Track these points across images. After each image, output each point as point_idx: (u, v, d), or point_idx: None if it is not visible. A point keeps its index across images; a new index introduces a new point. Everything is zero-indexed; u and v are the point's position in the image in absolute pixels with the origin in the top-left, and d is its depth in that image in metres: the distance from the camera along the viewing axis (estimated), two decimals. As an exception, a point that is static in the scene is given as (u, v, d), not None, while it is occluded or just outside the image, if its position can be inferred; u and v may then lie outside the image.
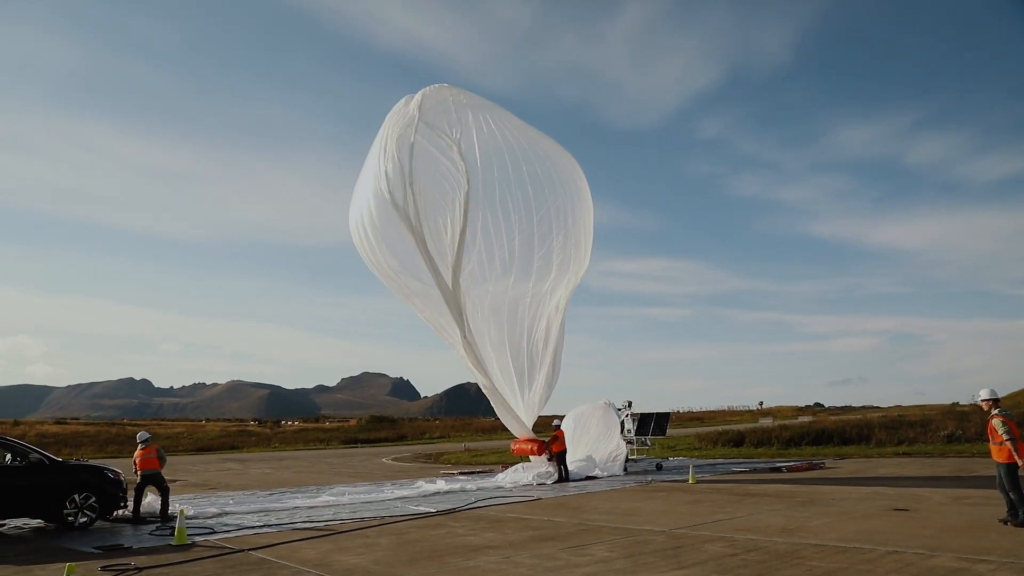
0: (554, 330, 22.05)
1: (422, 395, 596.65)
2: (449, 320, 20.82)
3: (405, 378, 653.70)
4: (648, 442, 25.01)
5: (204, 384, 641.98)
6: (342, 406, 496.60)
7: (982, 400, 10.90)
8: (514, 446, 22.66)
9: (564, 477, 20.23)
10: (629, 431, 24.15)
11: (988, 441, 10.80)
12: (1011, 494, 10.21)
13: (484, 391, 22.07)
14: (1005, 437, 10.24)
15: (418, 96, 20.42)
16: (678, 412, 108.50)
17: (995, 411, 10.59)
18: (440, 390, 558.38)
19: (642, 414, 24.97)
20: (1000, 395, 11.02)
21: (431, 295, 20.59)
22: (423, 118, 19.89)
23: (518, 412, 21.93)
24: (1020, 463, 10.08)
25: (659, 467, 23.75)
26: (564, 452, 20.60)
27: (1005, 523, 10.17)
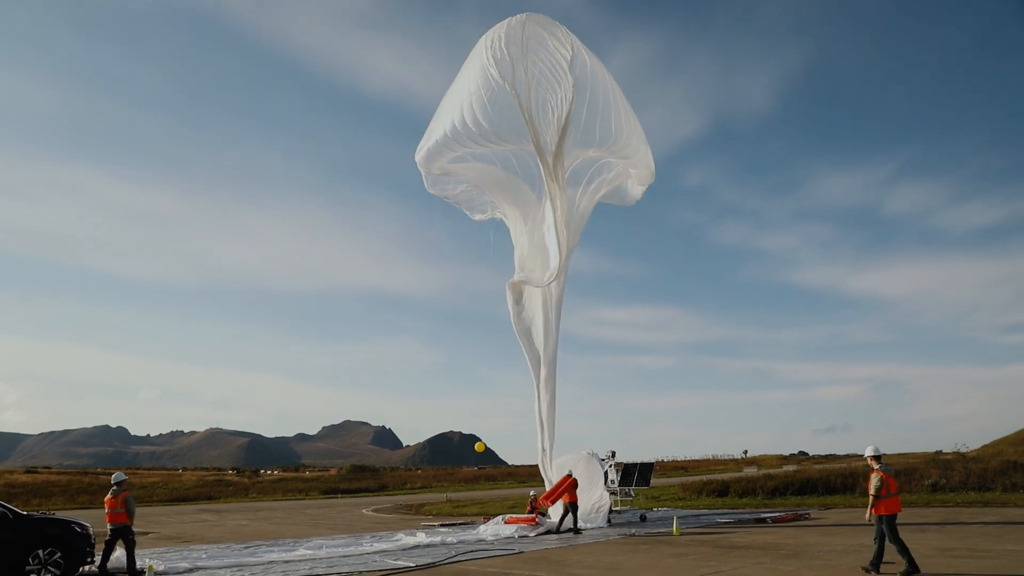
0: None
1: (404, 444, 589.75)
2: (527, 198, 23.41)
3: (387, 427, 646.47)
4: (632, 493, 24.70)
5: (182, 432, 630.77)
6: (323, 455, 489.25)
7: (868, 457, 11.72)
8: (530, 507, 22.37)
9: (574, 527, 19.96)
10: (613, 482, 23.85)
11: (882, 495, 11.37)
12: (876, 541, 10.94)
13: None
14: (872, 492, 11.02)
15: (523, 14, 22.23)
16: (662, 461, 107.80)
17: (876, 466, 11.34)
18: (423, 439, 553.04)
19: (626, 464, 24.71)
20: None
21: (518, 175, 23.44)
22: (534, 22, 21.25)
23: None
24: (867, 516, 11.07)
25: (643, 518, 23.40)
26: (576, 502, 20.36)
27: (867, 571, 10.61)
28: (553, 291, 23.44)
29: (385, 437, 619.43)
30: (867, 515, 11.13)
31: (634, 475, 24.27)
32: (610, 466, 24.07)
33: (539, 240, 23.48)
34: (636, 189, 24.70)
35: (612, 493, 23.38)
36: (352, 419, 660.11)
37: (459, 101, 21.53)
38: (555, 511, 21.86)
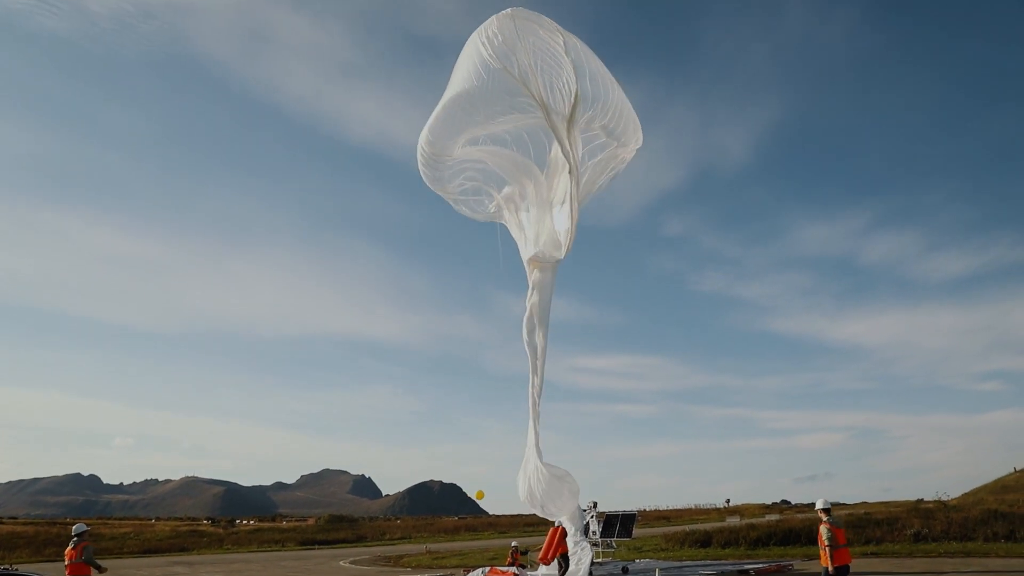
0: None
1: (384, 493, 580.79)
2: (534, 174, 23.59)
3: (367, 475, 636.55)
4: (613, 544, 24.39)
5: (156, 480, 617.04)
6: (301, 504, 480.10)
7: (818, 510, 12.20)
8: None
9: None
10: (594, 533, 23.55)
11: (821, 547, 11.89)
12: None
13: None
14: (827, 543, 11.46)
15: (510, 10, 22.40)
16: (644, 511, 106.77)
17: (825, 519, 11.84)
18: (402, 488, 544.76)
19: (608, 515, 24.44)
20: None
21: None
22: (520, 16, 21.60)
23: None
24: (831, 569, 11.38)
25: (625, 571, 23.03)
26: (567, 553, 19.85)
27: None
28: (548, 277, 23.88)
29: (364, 486, 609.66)
30: (830, 568, 11.38)
31: (616, 526, 24.00)
32: (592, 516, 23.79)
33: (548, 219, 23.95)
34: (625, 160, 25.31)
35: (594, 544, 23.07)
36: (331, 467, 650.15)
37: (461, 87, 22.03)
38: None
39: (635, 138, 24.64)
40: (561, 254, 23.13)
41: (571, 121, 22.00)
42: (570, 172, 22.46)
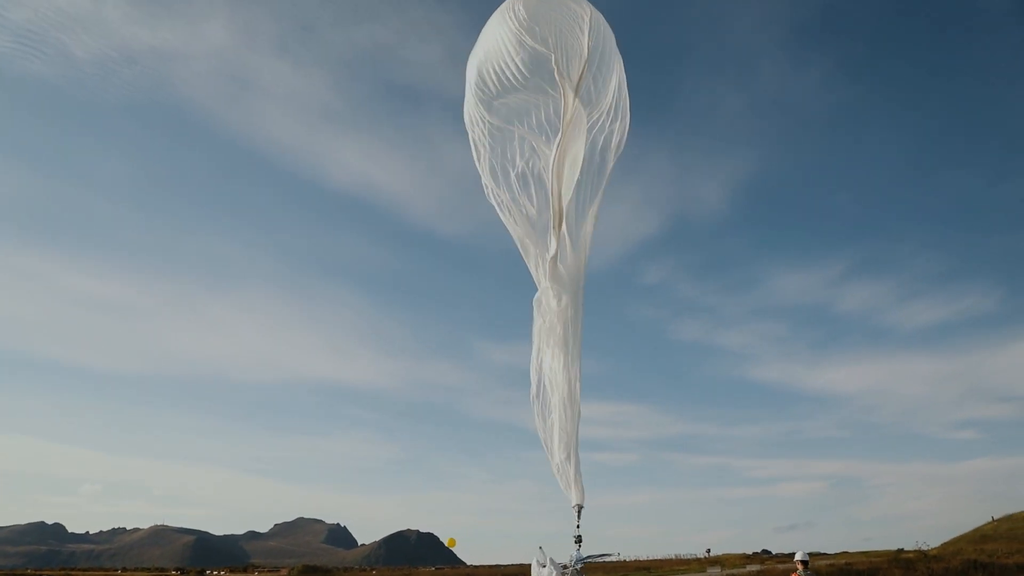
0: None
1: (359, 543, 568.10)
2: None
3: (342, 524, 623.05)
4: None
5: (124, 529, 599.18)
6: (274, 554, 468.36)
7: (796, 561, 12.43)
8: None
9: None
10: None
11: None
12: None
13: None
14: None
15: None
16: (625, 561, 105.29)
17: (800, 571, 12.10)
18: (378, 537, 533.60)
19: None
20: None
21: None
22: None
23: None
24: None
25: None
26: None
27: None
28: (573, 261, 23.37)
29: (339, 535, 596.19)
30: None
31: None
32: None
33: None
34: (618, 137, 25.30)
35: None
36: (306, 516, 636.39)
37: (487, 45, 22.02)
38: None
39: (626, 117, 24.78)
40: (552, 252, 22.91)
41: (577, 89, 22.03)
42: (558, 142, 22.59)
